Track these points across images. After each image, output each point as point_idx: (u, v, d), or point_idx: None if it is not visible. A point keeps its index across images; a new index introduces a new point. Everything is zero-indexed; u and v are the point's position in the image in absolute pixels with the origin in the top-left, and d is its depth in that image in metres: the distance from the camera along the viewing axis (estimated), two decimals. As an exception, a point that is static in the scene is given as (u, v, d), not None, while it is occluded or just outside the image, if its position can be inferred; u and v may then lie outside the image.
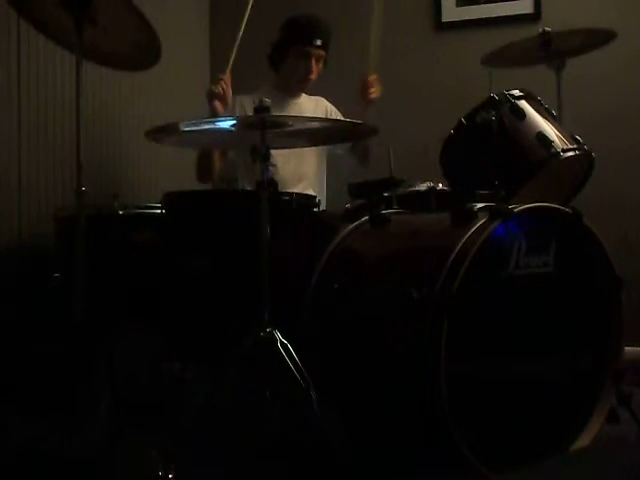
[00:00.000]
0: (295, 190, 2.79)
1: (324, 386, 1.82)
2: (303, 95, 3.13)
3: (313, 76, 2.98)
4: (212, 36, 3.95)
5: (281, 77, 3.07)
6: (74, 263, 2.01)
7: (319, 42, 2.91)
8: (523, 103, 2.19)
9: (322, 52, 2.95)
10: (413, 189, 2.35)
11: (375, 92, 2.99)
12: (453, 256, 1.76)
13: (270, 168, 2.82)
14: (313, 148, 3.01)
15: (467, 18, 3.55)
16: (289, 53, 2.97)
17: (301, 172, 3.02)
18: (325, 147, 3.07)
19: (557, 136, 2.14)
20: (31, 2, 2.08)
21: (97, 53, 2.19)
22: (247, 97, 2.92)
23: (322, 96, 3.17)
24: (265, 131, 1.89)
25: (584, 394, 2.04)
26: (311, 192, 2.83)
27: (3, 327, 2.38)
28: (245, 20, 2.81)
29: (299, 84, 3.04)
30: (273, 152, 2.89)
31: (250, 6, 2.83)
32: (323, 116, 3.08)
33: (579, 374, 2.02)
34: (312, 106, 3.11)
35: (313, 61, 2.94)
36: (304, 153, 3.01)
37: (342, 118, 3.07)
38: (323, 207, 2.99)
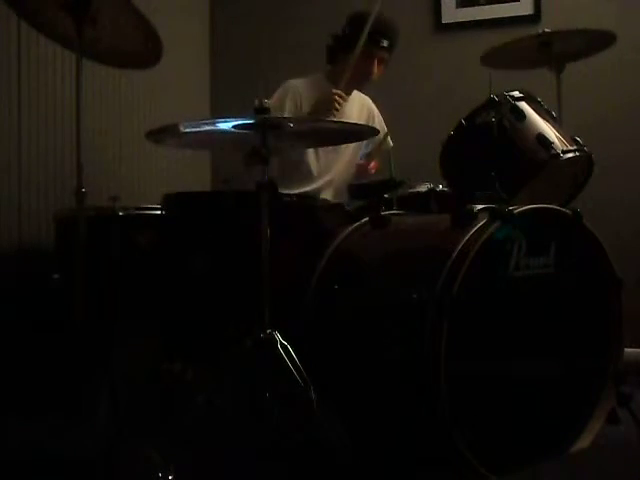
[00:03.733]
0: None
1: (324, 386, 1.82)
2: (355, 92, 3.08)
3: (373, 77, 2.97)
4: (212, 36, 3.96)
5: (337, 70, 2.98)
6: (74, 263, 2.01)
7: (385, 43, 2.90)
8: (523, 104, 2.19)
9: (386, 54, 2.94)
10: (413, 190, 2.35)
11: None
12: (453, 257, 1.76)
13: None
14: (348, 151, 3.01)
15: (467, 19, 3.56)
16: (354, 48, 2.86)
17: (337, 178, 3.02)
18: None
19: (557, 137, 2.14)
20: (31, 3, 2.08)
21: (98, 51, 2.19)
22: (302, 86, 2.92)
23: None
24: (266, 132, 1.89)
25: (584, 395, 2.04)
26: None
27: (3, 327, 2.38)
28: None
29: (357, 82, 2.99)
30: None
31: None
32: (366, 116, 3.09)
33: (579, 375, 2.02)
34: (358, 104, 3.10)
35: (375, 63, 2.93)
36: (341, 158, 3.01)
37: (381, 123, 3.12)
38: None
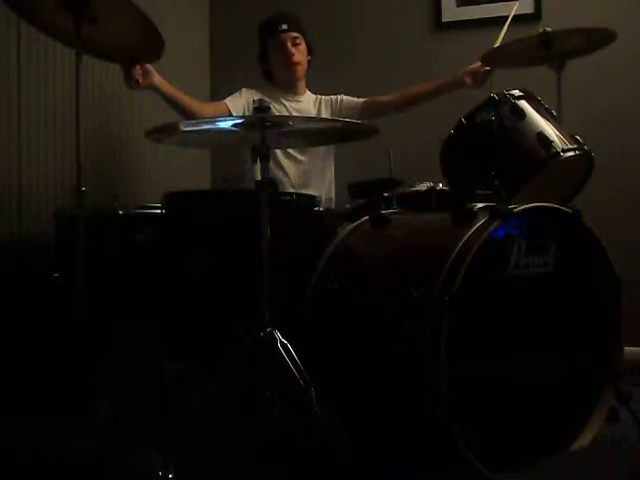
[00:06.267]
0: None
1: (324, 386, 1.82)
2: (307, 93, 3.14)
3: (296, 58, 3.00)
4: (212, 36, 3.95)
5: (275, 78, 3.11)
6: (74, 263, 2.01)
7: (284, 26, 2.96)
8: (523, 103, 2.18)
9: (293, 34, 2.98)
10: (413, 189, 2.35)
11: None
12: (453, 256, 1.76)
13: (279, 174, 2.90)
14: (318, 148, 3.03)
15: (467, 18, 3.55)
16: (267, 50, 3.03)
17: (309, 174, 3.04)
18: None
19: (557, 136, 2.14)
20: (30, 1, 2.08)
21: (98, 48, 2.20)
22: (257, 93, 2.94)
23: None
24: (265, 131, 1.89)
25: (584, 394, 2.04)
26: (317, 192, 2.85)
27: (3, 327, 2.38)
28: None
29: (289, 72, 3.04)
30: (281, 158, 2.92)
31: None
32: (327, 111, 3.11)
33: (579, 374, 2.02)
34: (314, 104, 3.13)
35: (289, 45, 2.97)
36: (310, 154, 3.03)
37: (355, 100, 3.13)
38: (332, 206, 3.02)
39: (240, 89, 3.02)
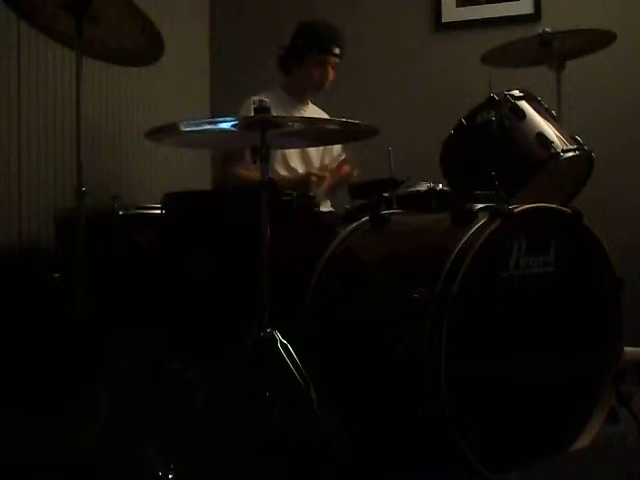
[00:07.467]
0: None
1: (324, 386, 1.82)
2: (310, 104, 3.15)
3: (329, 82, 3.01)
4: (212, 36, 3.96)
5: (292, 81, 3.08)
6: (74, 263, 2.01)
7: (337, 50, 2.95)
8: (523, 103, 2.19)
9: (338, 60, 2.98)
10: (413, 189, 2.35)
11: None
12: (453, 256, 1.76)
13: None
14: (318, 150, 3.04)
15: (467, 18, 3.56)
16: (306, 59, 2.98)
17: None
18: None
19: (557, 136, 2.14)
20: (31, 3, 2.08)
21: (98, 49, 2.20)
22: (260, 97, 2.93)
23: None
24: (265, 131, 1.89)
25: (584, 394, 2.04)
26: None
27: (3, 327, 2.38)
28: None
29: (314, 90, 3.06)
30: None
31: None
32: None
33: (579, 374, 2.02)
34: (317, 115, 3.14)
35: (330, 69, 2.97)
36: (310, 157, 3.03)
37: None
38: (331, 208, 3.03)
39: (248, 98, 2.95)
